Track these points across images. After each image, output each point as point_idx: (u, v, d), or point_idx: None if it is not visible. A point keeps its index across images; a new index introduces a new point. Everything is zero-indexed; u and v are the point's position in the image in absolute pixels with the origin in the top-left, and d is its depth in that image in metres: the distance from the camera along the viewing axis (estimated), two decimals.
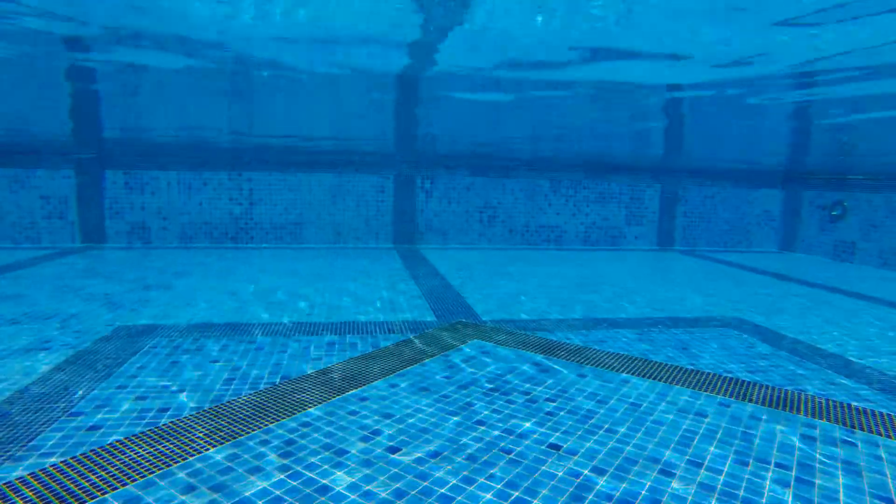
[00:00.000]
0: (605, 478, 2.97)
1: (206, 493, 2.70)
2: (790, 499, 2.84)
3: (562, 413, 3.75)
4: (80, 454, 3.03)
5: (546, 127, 12.69)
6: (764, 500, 2.81)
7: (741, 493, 2.87)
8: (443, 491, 2.80)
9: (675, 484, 2.93)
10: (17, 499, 2.61)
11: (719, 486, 2.92)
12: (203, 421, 3.45)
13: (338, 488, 2.79)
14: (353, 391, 4.01)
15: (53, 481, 2.75)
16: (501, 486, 2.86)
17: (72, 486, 2.72)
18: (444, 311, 6.41)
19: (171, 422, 3.44)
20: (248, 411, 3.61)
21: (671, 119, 13.19)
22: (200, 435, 3.27)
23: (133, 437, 3.23)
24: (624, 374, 4.50)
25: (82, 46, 8.34)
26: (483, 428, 3.49)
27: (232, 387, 4.06)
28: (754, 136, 13.52)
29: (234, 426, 3.39)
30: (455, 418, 3.62)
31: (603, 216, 13.25)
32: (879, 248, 11.47)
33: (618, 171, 13.19)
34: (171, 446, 3.13)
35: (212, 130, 11.35)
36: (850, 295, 8.24)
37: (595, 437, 3.42)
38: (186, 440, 3.20)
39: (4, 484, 2.74)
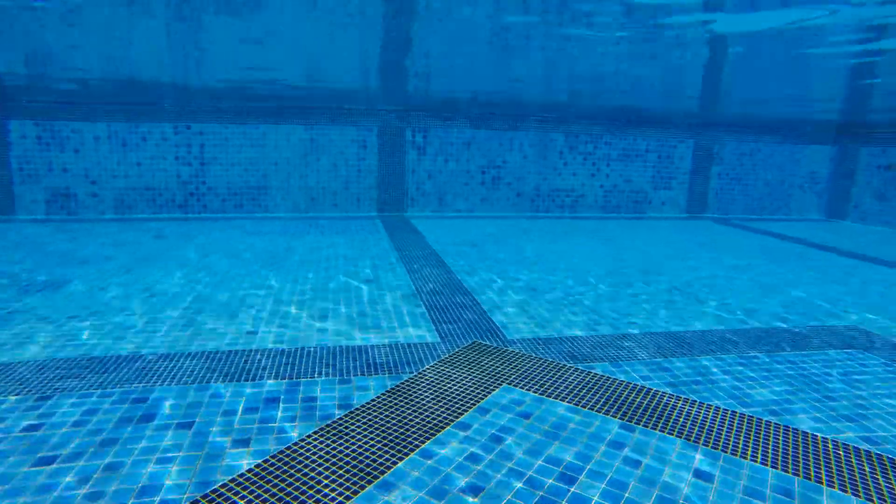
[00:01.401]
0: None
1: None
2: None
3: None
4: None
5: (563, 66, 10.49)
6: None
7: None
8: None
9: None
10: None
11: None
12: None
13: None
14: None
15: None
16: None
17: None
18: (450, 324, 4.45)
19: None
20: None
21: (711, 55, 11.05)
22: None
23: None
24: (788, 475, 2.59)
25: None
26: None
27: None
28: (806, 76, 11.45)
29: None
30: None
31: (626, 177, 11.23)
32: None
33: (645, 123, 11.10)
34: None
35: (149, 68, 9.03)
36: None
37: None
38: None
39: None
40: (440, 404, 3.10)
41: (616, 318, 4.73)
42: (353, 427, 2.83)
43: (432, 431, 2.81)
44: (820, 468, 2.61)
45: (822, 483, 2.50)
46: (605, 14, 9.21)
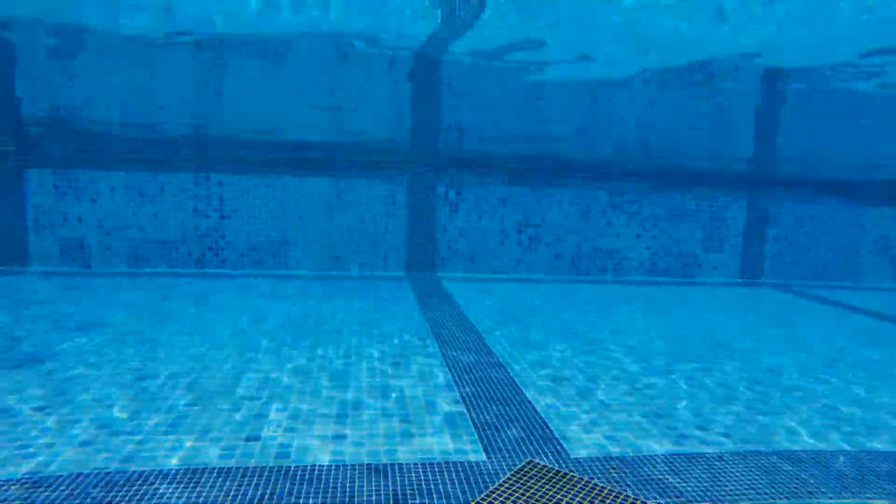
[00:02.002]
0: None
1: None
2: None
3: None
4: None
5: (603, 120, 9.86)
6: None
7: None
8: None
9: None
10: None
11: None
12: None
13: None
14: None
15: None
16: None
17: None
18: (496, 430, 3.58)
19: None
20: None
21: (765, 110, 10.33)
22: None
23: None
24: None
25: None
26: None
27: None
28: (868, 132, 10.61)
29: None
30: None
31: (674, 238, 10.36)
32: None
33: (694, 180, 10.31)
34: None
35: (171, 116, 8.64)
36: None
37: None
38: None
39: None
40: None
41: (702, 424, 3.81)
42: None
43: None
44: None
45: None
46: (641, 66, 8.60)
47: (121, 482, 2.79)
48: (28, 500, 2.60)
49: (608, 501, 2.82)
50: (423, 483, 2.92)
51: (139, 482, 2.81)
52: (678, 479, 3.09)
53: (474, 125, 9.48)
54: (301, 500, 2.70)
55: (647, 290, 9.18)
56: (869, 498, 2.99)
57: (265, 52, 8.55)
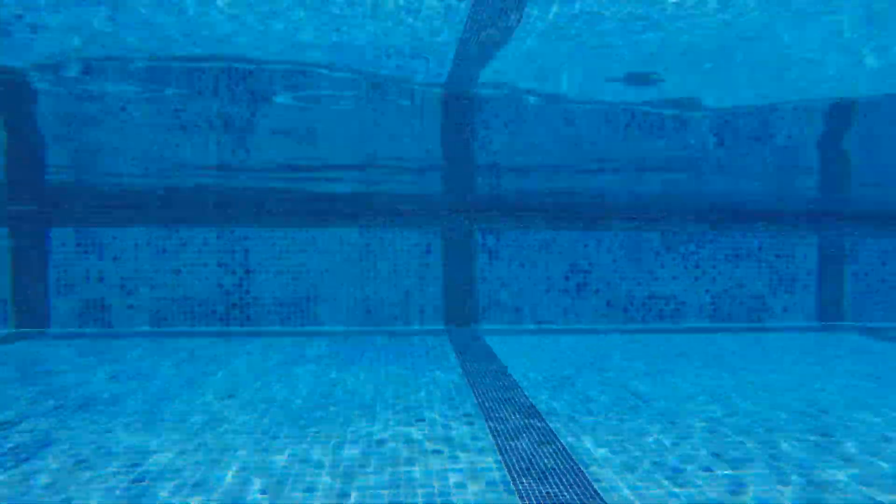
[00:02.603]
0: None
1: None
2: None
3: None
4: None
5: (653, 153, 9.11)
6: None
7: None
8: None
9: None
10: None
11: None
12: None
13: None
14: None
15: None
16: None
17: None
18: None
19: None
20: None
21: (832, 137, 9.41)
22: None
23: None
24: None
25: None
26: None
27: None
28: None
29: None
30: None
31: (737, 281, 9.38)
32: None
33: (756, 217, 9.39)
34: None
35: (194, 169, 8.28)
36: None
37: None
38: None
39: None
40: None
41: None
42: None
43: None
44: None
45: None
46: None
47: None
48: None
49: None
50: None
51: None
52: None
53: (511, 165, 8.86)
54: None
55: (713, 339, 8.19)
56: None
57: (286, 107, 8.18)
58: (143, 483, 3.46)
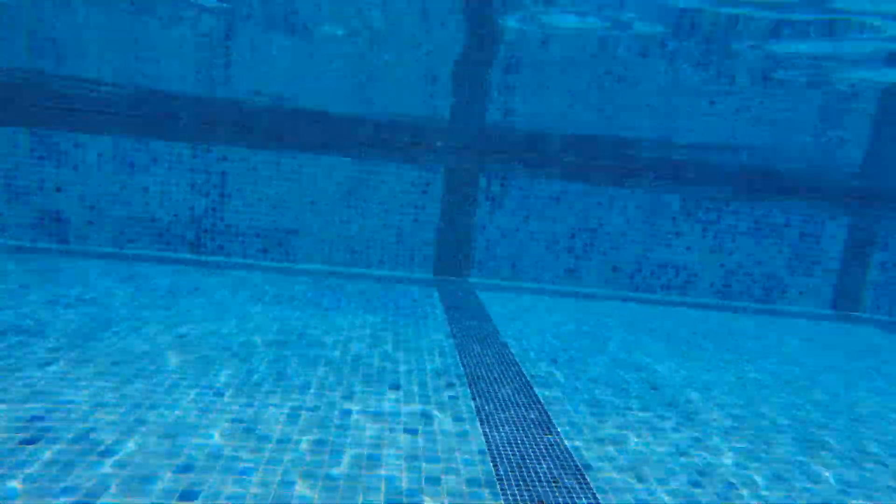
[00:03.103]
0: None
1: None
2: None
3: None
4: None
5: (686, 110, 8.17)
6: None
7: None
8: None
9: None
10: None
11: None
12: None
13: None
14: None
15: None
16: None
17: None
18: None
19: None
20: None
21: (884, 110, 8.48)
22: None
23: None
24: None
25: None
26: None
27: None
28: None
29: None
30: None
31: (756, 258, 8.65)
32: None
33: (787, 191, 8.55)
34: None
35: (171, 74, 7.29)
36: None
37: None
38: None
39: None
40: None
41: None
42: None
43: None
44: None
45: None
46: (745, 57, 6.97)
47: None
48: None
49: None
50: None
51: None
52: None
53: (528, 103, 7.91)
54: None
55: (724, 318, 7.53)
56: None
57: (282, 7, 7.10)
58: (37, 445, 2.77)
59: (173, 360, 3.99)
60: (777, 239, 8.63)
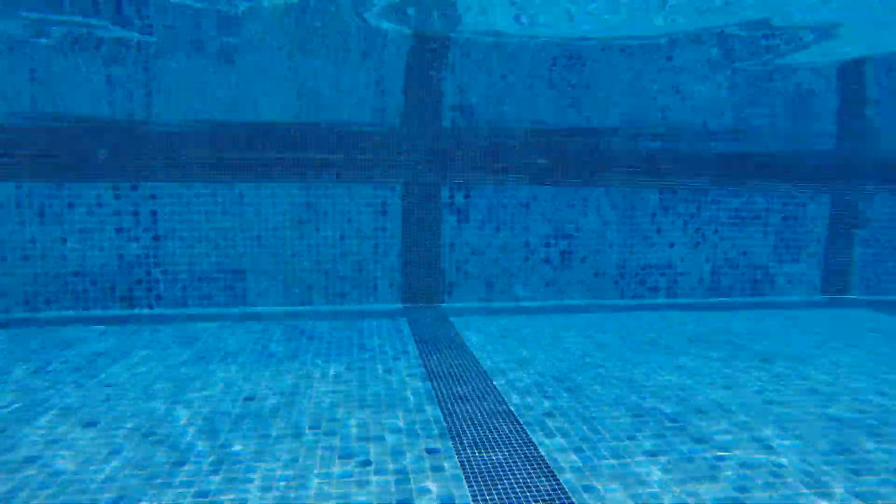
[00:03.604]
0: None
1: None
2: None
3: None
4: None
5: (655, 97, 7.66)
6: None
7: None
8: None
9: None
10: None
11: None
12: None
13: None
14: None
15: None
16: None
17: None
18: None
19: None
20: None
21: (850, 78, 8.15)
22: None
23: None
24: None
25: None
26: None
27: None
28: None
29: None
30: None
31: (740, 248, 8.17)
32: None
33: (764, 173, 8.13)
34: None
35: (85, 103, 6.38)
36: None
37: None
38: None
39: None
40: None
41: None
42: None
43: None
44: None
45: None
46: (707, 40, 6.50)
47: None
48: None
49: None
50: None
51: None
52: None
53: (488, 105, 7.27)
54: None
55: (714, 316, 6.99)
56: None
57: (210, 27, 6.29)
58: None
59: (69, 465, 3.12)
60: (760, 226, 8.18)
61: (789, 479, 3.01)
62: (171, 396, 4.10)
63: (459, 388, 4.30)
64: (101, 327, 6.01)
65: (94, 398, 4.05)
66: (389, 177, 7.06)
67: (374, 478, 2.98)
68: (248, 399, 4.08)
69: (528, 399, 4.12)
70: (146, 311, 6.75)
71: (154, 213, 6.70)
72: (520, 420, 3.74)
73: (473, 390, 4.28)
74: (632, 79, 7.53)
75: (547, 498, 2.79)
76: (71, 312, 6.59)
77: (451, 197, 7.28)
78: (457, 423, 3.68)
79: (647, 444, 3.41)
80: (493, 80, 7.23)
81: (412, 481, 2.95)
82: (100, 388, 4.25)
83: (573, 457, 3.25)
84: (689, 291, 8.14)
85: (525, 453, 3.28)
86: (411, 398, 4.11)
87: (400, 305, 7.20)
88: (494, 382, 4.44)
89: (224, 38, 6.37)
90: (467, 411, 3.88)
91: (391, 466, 3.10)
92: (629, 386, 4.42)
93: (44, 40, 6.06)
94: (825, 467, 3.15)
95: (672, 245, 7.97)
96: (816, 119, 8.16)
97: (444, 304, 7.33)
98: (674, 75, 7.63)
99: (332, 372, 4.68)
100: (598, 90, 7.46)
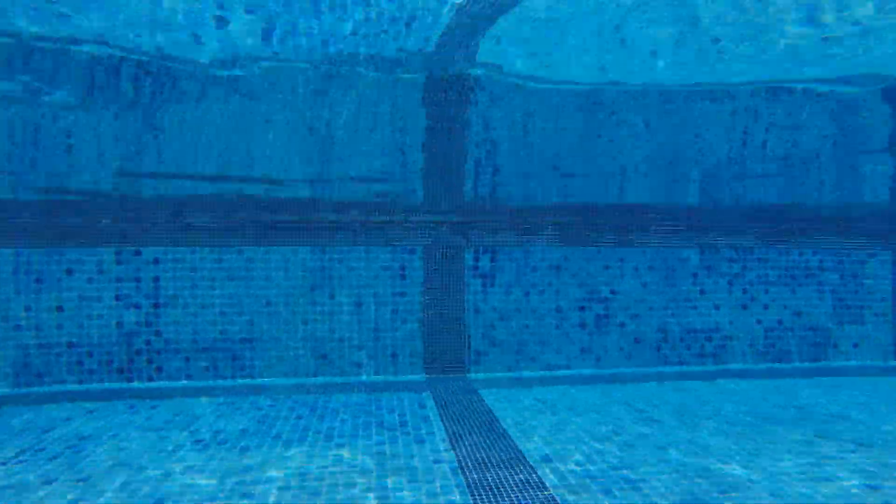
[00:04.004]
0: None
1: None
2: None
3: None
4: None
5: (691, 149, 7.20)
6: None
7: None
8: None
9: None
10: None
11: None
12: None
13: None
14: None
15: None
16: None
17: None
18: None
19: None
20: None
21: None
22: None
23: None
24: None
25: None
26: None
27: None
28: None
29: None
30: None
31: (794, 308, 7.44)
32: None
33: (815, 227, 7.51)
34: None
35: (83, 168, 6.09)
36: None
37: None
38: None
39: None
40: None
41: None
42: None
43: None
44: None
45: None
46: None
47: None
48: None
49: None
50: None
51: None
52: None
53: (513, 164, 6.87)
54: None
55: (774, 385, 6.19)
56: None
57: (214, 80, 6.07)
58: None
59: None
60: (815, 284, 7.48)
61: None
62: (152, 494, 3.45)
63: (496, 478, 3.58)
64: (91, 405, 5.42)
65: (59, 498, 3.41)
66: (410, 240, 6.58)
67: None
68: (243, 497, 3.40)
69: (585, 498, 3.39)
70: (145, 384, 6.16)
71: (156, 279, 6.25)
72: None
73: (515, 484, 3.56)
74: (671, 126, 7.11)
75: None
76: (64, 387, 6.02)
77: (476, 260, 6.75)
78: None
79: None
80: (515, 133, 6.87)
81: None
82: (70, 485, 3.61)
83: None
84: (741, 357, 7.36)
85: None
86: (441, 492, 3.41)
87: (423, 377, 6.53)
88: (539, 474, 3.72)
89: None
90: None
91: None
92: (703, 476, 3.67)
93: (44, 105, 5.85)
94: None
95: (717, 307, 7.27)
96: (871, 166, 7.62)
97: (471, 375, 6.64)
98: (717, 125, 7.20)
99: (345, 458, 4.00)
100: (629, 140, 7.04)
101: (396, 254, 6.62)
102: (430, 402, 5.49)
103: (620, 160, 7.10)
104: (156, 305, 6.22)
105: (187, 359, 6.28)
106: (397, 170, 6.59)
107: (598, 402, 5.49)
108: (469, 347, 6.69)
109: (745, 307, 7.35)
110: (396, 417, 5.01)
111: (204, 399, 5.63)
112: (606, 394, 5.84)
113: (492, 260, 6.78)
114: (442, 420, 4.92)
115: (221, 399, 5.62)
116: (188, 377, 6.27)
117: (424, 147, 6.62)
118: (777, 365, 7.39)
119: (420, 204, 6.62)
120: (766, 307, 7.40)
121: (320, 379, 6.42)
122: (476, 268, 6.75)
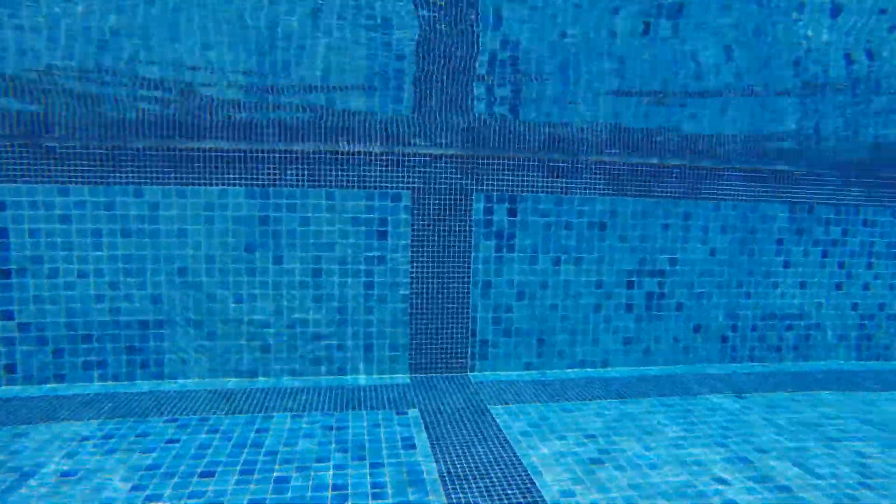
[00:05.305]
0: None
1: None
2: None
3: None
4: None
5: (785, 61, 5.13)
6: None
7: None
8: None
9: None
10: None
11: None
12: None
13: None
14: None
15: None
16: None
17: None
18: None
19: None
20: None
21: None
22: None
23: None
24: None
25: None
26: None
27: None
28: None
29: None
30: None
31: None
32: None
33: None
34: None
35: None
36: None
37: None
38: None
39: None
40: None
41: None
42: None
43: None
44: None
45: None
46: None
47: None
48: None
49: None
50: None
51: None
52: None
53: (541, 76, 4.74)
54: None
55: (886, 398, 4.42)
56: None
57: None
58: None
59: None
60: None
61: None
62: None
63: None
64: None
65: None
66: (393, 178, 4.52)
67: None
68: None
69: None
70: (22, 388, 4.16)
71: (5, 232, 4.14)
72: None
73: None
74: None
75: None
76: None
77: (489, 210, 4.73)
78: None
79: None
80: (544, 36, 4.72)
81: None
82: None
83: None
84: (825, 353, 5.58)
85: None
86: None
87: (407, 378, 4.61)
88: None
89: None
90: None
91: None
92: None
93: None
94: None
95: (803, 285, 5.42)
96: None
97: (474, 375, 4.75)
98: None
99: None
100: (700, 51, 4.94)
101: (374, 201, 4.57)
102: (415, 420, 3.59)
103: (692, 80, 5.02)
104: (4, 274, 4.14)
105: (57, 351, 4.26)
106: (377, 76, 4.43)
107: (658, 425, 3.64)
108: (474, 336, 4.77)
109: (838, 286, 5.51)
110: (359, 444, 3.09)
111: (79, 416, 3.66)
112: (675, 411, 3.99)
113: (509, 211, 4.77)
114: (433, 452, 3.01)
115: (96, 424, 3.65)
116: (60, 378, 4.26)
117: (418, 43, 4.45)
118: (871, 362, 5.65)
119: (408, 127, 4.52)
120: (866, 286, 5.57)
121: (261, 380, 4.47)
122: (488, 223, 4.74)
